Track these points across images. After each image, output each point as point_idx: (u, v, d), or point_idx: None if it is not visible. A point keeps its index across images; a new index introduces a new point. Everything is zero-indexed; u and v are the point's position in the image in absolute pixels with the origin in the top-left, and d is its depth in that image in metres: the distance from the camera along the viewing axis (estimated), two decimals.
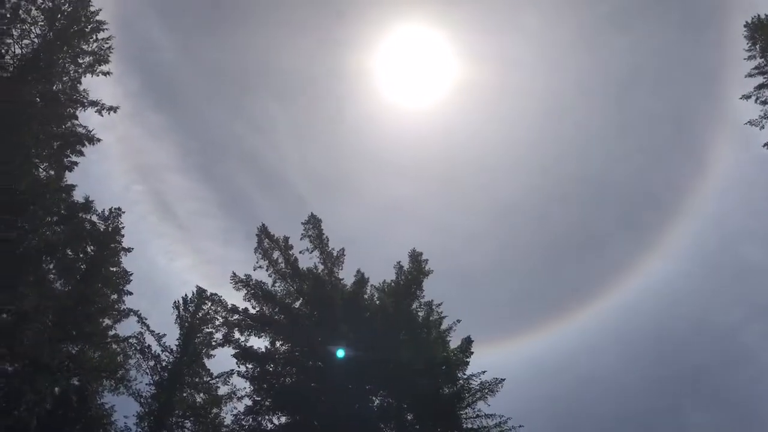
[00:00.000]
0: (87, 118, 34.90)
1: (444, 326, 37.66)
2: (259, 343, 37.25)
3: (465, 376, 36.41)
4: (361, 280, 38.29)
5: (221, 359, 38.87)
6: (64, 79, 33.88)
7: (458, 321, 37.63)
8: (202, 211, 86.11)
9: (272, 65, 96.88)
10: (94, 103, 34.20)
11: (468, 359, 36.75)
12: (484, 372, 35.90)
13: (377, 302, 38.08)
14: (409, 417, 36.26)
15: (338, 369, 35.90)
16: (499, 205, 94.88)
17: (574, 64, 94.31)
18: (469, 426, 35.50)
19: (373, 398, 37.07)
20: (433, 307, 37.88)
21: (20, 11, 32.73)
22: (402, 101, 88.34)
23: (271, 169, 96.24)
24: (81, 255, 35.17)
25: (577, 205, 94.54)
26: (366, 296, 38.34)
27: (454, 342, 37.33)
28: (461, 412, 35.85)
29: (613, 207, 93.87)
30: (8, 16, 32.40)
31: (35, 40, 33.21)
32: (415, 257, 38.32)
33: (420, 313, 37.86)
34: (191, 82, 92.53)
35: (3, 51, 32.48)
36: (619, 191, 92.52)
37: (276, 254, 37.99)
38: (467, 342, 36.73)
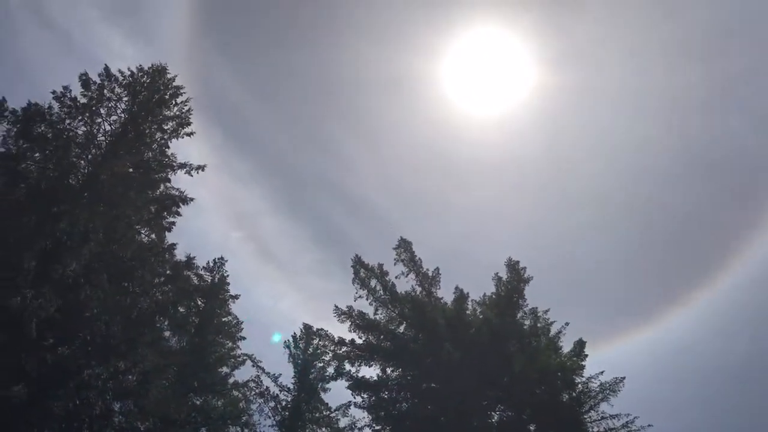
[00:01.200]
0: (178, 179, 36.28)
1: (553, 331, 37.37)
2: (370, 371, 37.86)
3: (583, 380, 35.90)
4: (460, 296, 38.32)
5: (337, 392, 39.68)
6: (153, 146, 35.28)
7: (567, 324, 37.35)
8: (298, 248, 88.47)
9: (339, 84, 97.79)
10: (182, 165, 35.45)
11: (583, 362, 36.31)
12: (602, 372, 35.41)
13: (480, 317, 37.98)
14: (531, 428, 35.90)
15: (452, 388, 35.98)
16: (590, 202, 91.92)
17: (655, 64, 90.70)
18: (595, 429, 34.88)
19: (492, 413, 36.96)
20: (539, 314, 37.58)
21: (105, 90, 34.35)
22: (475, 107, 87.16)
23: (355, 194, 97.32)
24: (192, 309, 36.56)
25: (669, 202, 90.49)
26: (468, 312, 38.30)
27: (566, 346, 36.90)
28: (584, 417, 35.39)
29: (708, 202, 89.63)
30: (95, 97, 34.08)
31: (122, 115, 34.77)
32: (513, 266, 38.09)
33: (526, 322, 37.62)
34: (267, 124, 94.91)
35: (94, 131, 34.16)
36: (714, 182, 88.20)
37: (373, 282, 38.49)
38: (580, 345, 36.24)
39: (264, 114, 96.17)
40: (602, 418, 34.95)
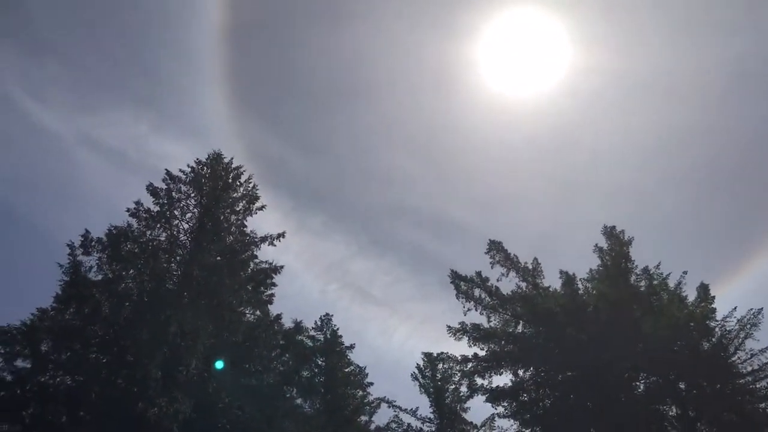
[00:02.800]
0: (263, 252, 37.07)
1: (672, 284, 35.98)
2: (502, 379, 37.43)
3: (718, 323, 34.45)
4: (568, 279, 37.57)
5: (477, 408, 39.36)
6: (232, 230, 36.24)
7: (685, 273, 35.80)
8: (392, 281, 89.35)
9: (376, 90, 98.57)
10: (263, 239, 36.28)
11: (712, 305, 34.77)
12: (734, 309, 33.83)
13: (594, 293, 37.04)
14: (681, 387, 34.63)
15: (588, 371, 35.13)
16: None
17: (695, 46, 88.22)
18: (748, 369, 33.35)
19: (636, 384, 35.85)
20: (651, 271, 36.34)
21: (173, 193, 35.57)
22: (512, 90, 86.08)
23: (427, 210, 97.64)
24: (315, 370, 37.08)
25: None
26: (580, 292, 37.44)
27: (690, 294, 35.49)
28: (732, 360, 33.82)
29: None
30: (166, 202, 35.30)
31: (195, 210, 35.87)
32: (610, 232, 37.08)
33: (641, 284, 36.47)
34: (326, 174, 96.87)
35: (174, 233, 35.32)
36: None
37: (477, 292, 38.13)
38: (704, 289, 34.96)
39: (320, 165, 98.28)
40: (752, 355, 33.38)
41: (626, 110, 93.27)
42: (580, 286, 37.81)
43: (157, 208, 35.17)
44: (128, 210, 34.62)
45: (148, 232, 34.86)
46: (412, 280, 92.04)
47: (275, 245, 36.75)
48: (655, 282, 36.26)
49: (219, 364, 35.57)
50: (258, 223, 38.11)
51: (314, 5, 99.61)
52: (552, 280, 38.19)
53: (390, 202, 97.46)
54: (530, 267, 37.98)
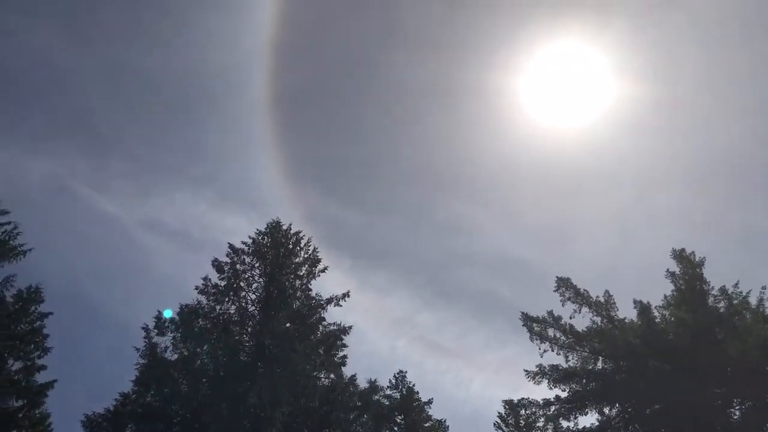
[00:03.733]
0: (330, 313, 37.11)
1: (753, 302, 34.56)
2: (589, 419, 36.12)
3: None
4: (642, 308, 36.46)
5: None
6: (297, 294, 36.50)
7: (764, 288, 34.38)
8: (462, 330, 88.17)
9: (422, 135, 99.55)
10: (329, 300, 36.40)
11: None
12: None
13: (672, 320, 35.85)
14: None
15: (677, 402, 33.72)
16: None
17: (735, 73, 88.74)
18: None
19: (731, 411, 34.23)
20: (729, 291, 35.04)
21: (237, 266, 36.22)
22: (558, 121, 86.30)
23: (486, 254, 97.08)
24: (395, 428, 36.49)
25: None
26: (657, 320, 36.30)
27: None
28: None
29: None
30: (231, 275, 35.89)
31: (260, 280, 36.37)
32: (680, 255, 36.09)
33: (720, 305, 35.13)
34: (381, 229, 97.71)
35: (243, 305, 35.76)
36: None
37: (551, 331, 37.23)
38: None
39: (377, 221, 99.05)
40: None
41: (671, 135, 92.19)
42: (656, 314, 36.62)
43: (224, 282, 35.85)
44: (197, 287, 35.39)
45: (218, 307, 35.45)
46: (483, 328, 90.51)
47: (341, 305, 36.82)
48: (735, 302, 34.88)
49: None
50: (321, 285, 38.31)
51: (353, 60, 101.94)
52: (626, 311, 37.17)
53: (450, 250, 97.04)
54: (602, 300, 37.05)
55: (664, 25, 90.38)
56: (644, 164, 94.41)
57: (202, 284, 35.41)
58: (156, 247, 78.29)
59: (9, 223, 30.87)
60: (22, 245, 30.83)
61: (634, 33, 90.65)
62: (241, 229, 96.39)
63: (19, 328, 30.49)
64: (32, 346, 30.42)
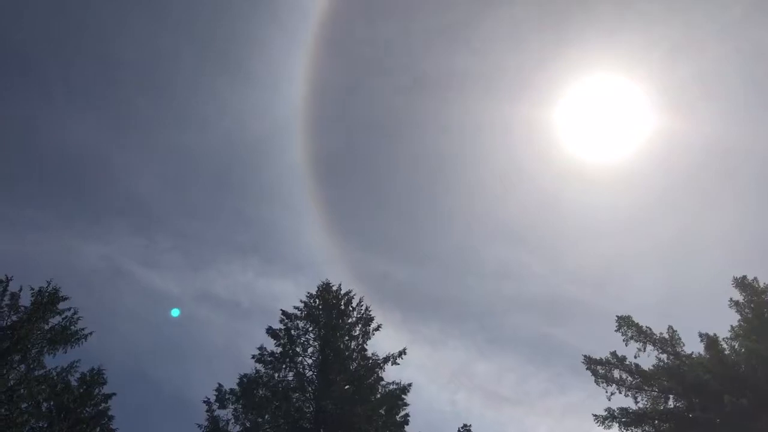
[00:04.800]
0: (388, 372, 36.59)
1: None
2: None
3: None
4: (710, 342, 35.16)
5: None
6: (354, 356, 36.20)
7: None
8: (520, 377, 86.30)
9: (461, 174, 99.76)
10: (386, 360, 35.96)
11: None
12: None
13: (742, 351, 34.49)
14: None
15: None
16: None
17: None
18: None
19: None
20: None
21: (291, 332, 36.20)
22: (597, 156, 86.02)
23: (539, 297, 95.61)
24: None
25: None
26: (727, 353, 34.95)
27: None
28: None
29: None
30: (286, 342, 35.84)
31: (315, 344, 36.23)
32: (743, 282, 35.02)
33: None
34: (428, 279, 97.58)
35: (300, 370, 35.56)
36: None
37: (616, 373, 36.14)
38: None
39: (424, 273, 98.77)
40: None
41: (714, 173, 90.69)
42: (724, 346, 35.31)
43: (280, 349, 35.81)
44: (253, 356, 35.38)
45: (276, 375, 35.32)
46: (541, 373, 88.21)
47: (398, 363, 36.31)
48: None
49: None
50: (375, 342, 37.95)
51: (383, 115, 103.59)
52: (692, 345, 35.93)
53: (499, 295, 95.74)
54: (666, 336, 35.91)
55: (703, 59, 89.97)
56: (692, 189, 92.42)
57: (259, 353, 35.40)
58: (209, 320, 79.74)
59: (69, 308, 31.52)
60: (83, 329, 31.39)
61: (672, 65, 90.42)
62: (289, 293, 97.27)
63: (85, 412, 30.78)
64: (98, 429, 30.60)
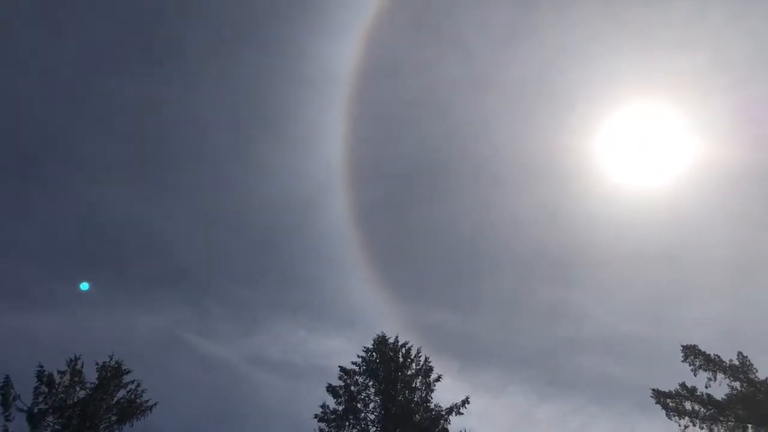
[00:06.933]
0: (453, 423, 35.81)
1: None
2: None
3: None
4: None
5: None
6: (417, 408, 35.51)
7: None
8: (585, 419, 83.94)
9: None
10: (450, 410, 35.32)
11: None
12: None
13: None
14: None
15: None
16: None
17: None
18: None
19: None
20: None
21: (351, 387, 35.89)
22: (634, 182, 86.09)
23: (592, 334, 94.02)
24: None
25: None
26: None
27: None
28: None
29: None
30: (347, 398, 35.40)
31: (376, 398, 35.74)
32: None
33: None
34: (481, 324, 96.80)
35: (364, 426, 34.96)
36: None
37: (687, 405, 35.02)
38: None
39: (478, 320, 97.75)
40: None
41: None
42: None
43: (342, 407, 35.32)
44: (316, 416, 34.94)
45: None
46: (607, 413, 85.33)
47: (462, 413, 35.62)
48: None
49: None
50: (434, 393, 37.28)
51: (422, 160, 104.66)
52: (765, 371, 34.78)
53: (555, 337, 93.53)
54: (737, 363, 34.86)
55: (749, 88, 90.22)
56: (739, 211, 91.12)
57: (321, 412, 34.94)
58: (264, 382, 79.94)
59: (133, 381, 31.61)
60: (147, 401, 31.36)
61: (714, 97, 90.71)
62: (341, 349, 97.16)
63: None
64: None
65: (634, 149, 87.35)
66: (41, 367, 29.81)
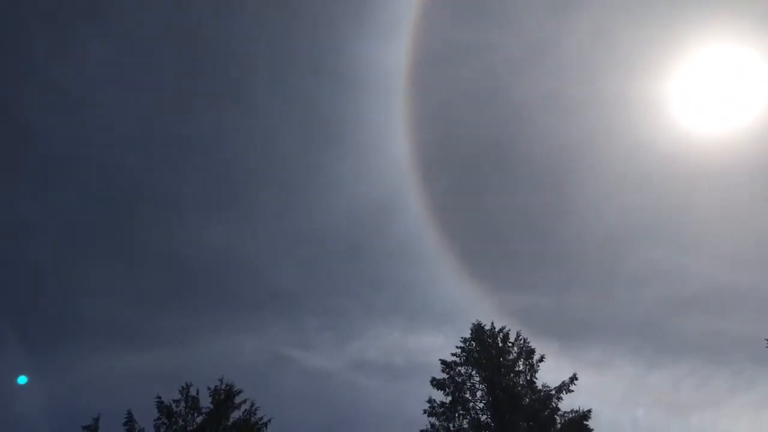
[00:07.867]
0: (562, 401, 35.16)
1: None
2: None
3: None
4: None
5: None
6: (524, 391, 35.12)
7: None
8: (699, 380, 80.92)
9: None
10: (559, 388, 34.80)
11: None
12: None
13: None
14: None
15: None
16: None
17: None
18: None
19: None
20: None
21: (456, 378, 35.77)
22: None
23: (695, 291, 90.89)
24: None
25: None
26: None
27: None
28: None
29: None
30: (454, 391, 35.41)
31: (481, 386, 35.58)
32: None
33: None
34: (577, 300, 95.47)
35: (474, 416, 34.86)
36: None
37: None
38: None
39: (572, 295, 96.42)
40: None
41: None
42: None
43: (449, 398, 35.31)
44: (425, 411, 35.06)
45: (451, 425, 34.83)
46: (722, 371, 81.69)
47: (572, 390, 34.96)
48: None
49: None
50: (538, 375, 36.70)
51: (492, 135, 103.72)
52: None
53: (655, 301, 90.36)
54: None
55: None
56: None
57: (429, 407, 35.02)
58: (369, 386, 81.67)
59: (245, 401, 32.64)
60: (261, 418, 32.32)
61: None
62: (438, 344, 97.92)
63: None
64: None
65: (709, 94, 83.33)
66: (159, 398, 31.20)
